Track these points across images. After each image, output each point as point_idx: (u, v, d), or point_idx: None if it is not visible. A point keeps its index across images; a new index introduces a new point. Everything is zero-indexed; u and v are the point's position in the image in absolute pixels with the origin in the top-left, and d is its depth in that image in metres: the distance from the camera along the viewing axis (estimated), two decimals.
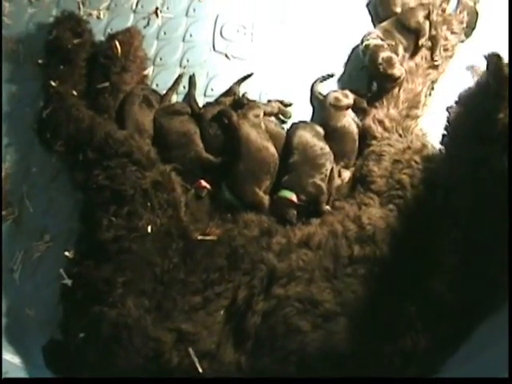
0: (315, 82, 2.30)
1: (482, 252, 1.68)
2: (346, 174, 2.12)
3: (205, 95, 2.33)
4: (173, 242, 1.90)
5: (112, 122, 2.14)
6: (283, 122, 2.26)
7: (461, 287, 1.72)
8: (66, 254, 2.00)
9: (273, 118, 2.25)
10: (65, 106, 2.15)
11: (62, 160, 2.17)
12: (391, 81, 2.15)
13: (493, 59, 1.64)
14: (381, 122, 2.13)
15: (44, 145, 2.17)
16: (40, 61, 2.29)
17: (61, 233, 2.20)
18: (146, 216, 1.89)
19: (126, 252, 1.86)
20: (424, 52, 2.23)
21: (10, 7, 2.52)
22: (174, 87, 2.33)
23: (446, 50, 2.25)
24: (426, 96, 2.23)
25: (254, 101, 2.24)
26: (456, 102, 1.86)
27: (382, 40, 2.19)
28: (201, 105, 2.27)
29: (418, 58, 2.21)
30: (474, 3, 2.31)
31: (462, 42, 2.30)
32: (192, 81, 2.33)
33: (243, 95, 2.25)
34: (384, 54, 2.14)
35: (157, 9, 2.46)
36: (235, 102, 2.22)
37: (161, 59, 2.40)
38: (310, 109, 2.30)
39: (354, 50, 2.33)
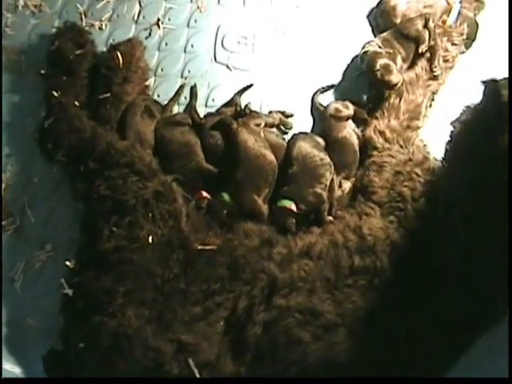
0: (316, 93, 2.30)
1: (481, 267, 1.68)
2: (347, 185, 2.12)
3: (206, 106, 2.34)
4: (173, 253, 1.90)
5: (113, 132, 2.14)
6: (284, 132, 2.27)
7: (461, 300, 1.72)
8: (67, 263, 1.99)
9: (274, 129, 2.25)
10: (66, 116, 2.15)
11: (63, 170, 2.17)
12: (388, 88, 2.16)
13: (490, 85, 1.63)
14: (382, 133, 2.13)
15: (45, 155, 2.17)
16: (42, 71, 2.29)
17: (62, 243, 2.20)
18: (147, 226, 1.89)
19: (127, 262, 1.86)
20: (424, 63, 2.23)
21: (13, 18, 2.53)
22: (175, 98, 2.34)
23: (446, 61, 2.25)
24: (426, 107, 2.22)
25: (255, 111, 2.25)
26: (457, 120, 1.86)
27: (380, 48, 2.20)
28: (202, 115, 2.27)
29: (418, 69, 2.21)
30: (475, 15, 2.32)
31: (463, 53, 2.30)
32: (193, 91, 2.33)
33: (246, 106, 2.25)
34: (382, 61, 2.14)
35: (158, 20, 2.46)
36: (237, 112, 2.23)
37: (162, 70, 2.41)
38: (311, 120, 2.30)
39: (353, 59, 2.33)
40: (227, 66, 2.39)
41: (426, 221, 1.82)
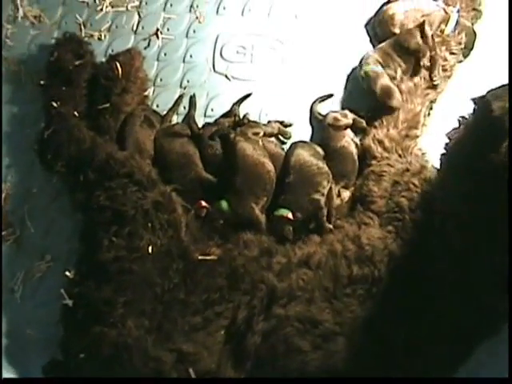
0: (314, 102, 2.31)
1: (479, 276, 1.68)
2: (346, 194, 2.12)
3: (205, 116, 2.34)
4: (173, 263, 1.90)
5: (113, 142, 2.15)
6: (283, 142, 2.27)
7: (459, 309, 1.72)
8: (67, 274, 1.99)
9: (273, 139, 2.25)
10: (66, 126, 2.15)
11: (62, 181, 2.18)
12: (389, 111, 2.18)
13: (480, 103, 1.63)
14: (380, 142, 2.14)
15: (45, 165, 2.17)
16: (41, 82, 2.29)
17: (61, 253, 2.20)
18: (147, 236, 1.89)
19: (127, 272, 1.86)
20: (423, 72, 2.23)
21: (12, 29, 2.54)
22: (174, 108, 2.35)
23: (444, 70, 2.25)
24: (425, 116, 2.23)
25: (254, 121, 2.25)
26: (450, 135, 1.86)
27: (380, 64, 2.20)
28: (201, 125, 2.28)
29: (416, 79, 2.21)
30: (472, 24, 2.33)
31: (460, 62, 2.31)
32: (192, 101, 2.34)
33: (244, 116, 2.26)
34: (382, 83, 2.15)
35: (157, 30, 2.47)
36: (235, 122, 2.24)
37: (161, 80, 2.41)
38: (310, 129, 2.30)
39: (353, 70, 2.33)
40: (226, 76, 2.39)
41: (423, 231, 1.82)
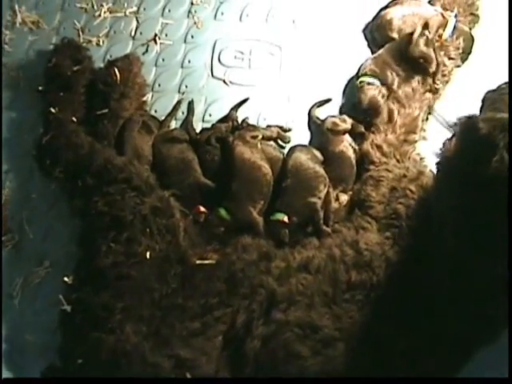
0: (313, 106, 2.31)
1: (478, 283, 1.67)
2: (344, 198, 2.12)
3: (203, 121, 2.35)
4: (171, 268, 1.90)
5: (111, 148, 2.15)
6: (282, 147, 2.27)
7: (458, 315, 1.71)
8: (65, 279, 1.99)
9: (272, 142, 2.26)
10: (64, 132, 2.16)
11: (61, 186, 2.17)
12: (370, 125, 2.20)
13: (465, 124, 1.62)
14: (379, 147, 2.13)
15: (43, 171, 2.18)
16: (40, 87, 2.30)
17: (60, 259, 2.19)
18: (145, 242, 1.89)
19: (125, 278, 1.86)
20: (420, 76, 2.24)
21: (11, 35, 2.54)
22: (172, 113, 2.35)
23: (443, 75, 2.26)
24: (423, 120, 2.23)
25: (253, 125, 2.26)
26: (438, 154, 1.86)
27: (377, 75, 2.20)
28: (199, 130, 2.29)
29: (414, 83, 2.21)
30: (470, 28, 2.33)
31: (459, 66, 2.31)
32: (190, 107, 2.34)
33: (243, 120, 2.27)
34: (372, 99, 2.17)
35: (155, 35, 2.48)
36: (233, 127, 2.24)
37: (159, 85, 2.42)
38: (309, 134, 2.31)
39: (353, 77, 2.33)
40: (224, 81, 2.40)
41: (421, 239, 1.82)
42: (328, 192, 2.10)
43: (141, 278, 1.86)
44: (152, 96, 2.41)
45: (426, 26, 2.25)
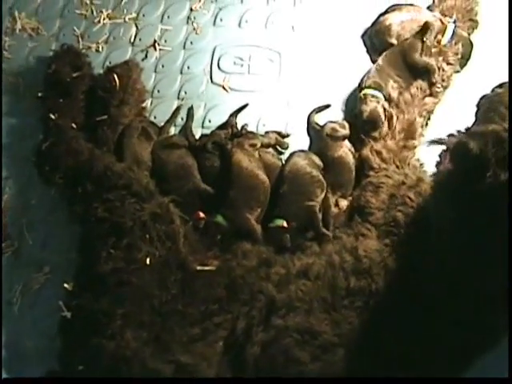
0: (312, 112, 2.32)
1: (477, 291, 1.67)
2: (344, 204, 2.12)
3: (202, 127, 2.35)
4: (171, 274, 1.90)
5: (111, 154, 2.15)
6: (280, 153, 2.28)
7: (458, 323, 1.71)
8: (65, 286, 1.99)
9: (270, 149, 2.26)
10: (64, 138, 2.16)
11: (61, 192, 2.17)
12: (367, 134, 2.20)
13: (455, 145, 1.62)
14: (378, 153, 2.13)
15: (43, 177, 2.18)
16: (39, 94, 2.30)
17: (60, 265, 2.19)
18: (145, 248, 1.89)
19: (125, 284, 1.86)
20: (419, 82, 2.24)
21: (10, 41, 2.55)
22: (171, 119, 2.35)
23: (442, 80, 2.26)
24: (422, 126, 2.23)
25: (251, 132, 2.26)
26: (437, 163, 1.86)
27: (379, 87, 2.20)
28: (198, 136, 2.29)
29: (413, 89, 2.21)
30: (469, 34, 2.34)
31: (458, 72, 2.32)
32: (190, 113, 2.35)
33: (242, 127, 2.27)
34: (373, 112, 2.16)
35: (155, 42, 2.49)
36: (232, 133, 2.24)
37: (159, 91, 2.43)
38: (308, 140, 2.31)
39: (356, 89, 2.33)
40: (223, 87, 2.40)
41: (419, 247, 1.81)
42: (327, 197, 2.10)
43: (141, 284, 1.86)
44: (151, 102, 2.42)
45: (425, 27, 2.25)
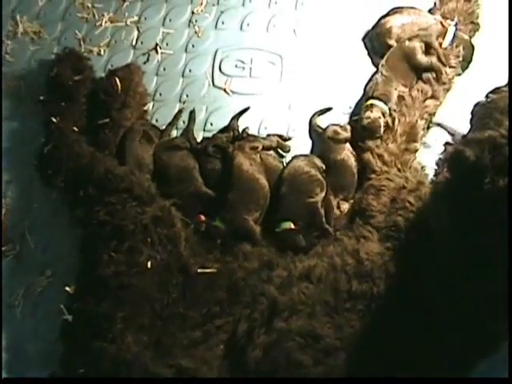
0: (314, 115, 2.32)
1: (478, 296, 1.67)
2: (345, 206, 2.13)
3: (204, 130, 2.35)
4: (172, 277, 1.90)
5: (112, 157, 2.16)
6: (282, 156, 2.28)
7: (459, 328, 1.71)
8: (67, 289, 1.99)
9: (272, 152, 2.26)
10: (66, 142, 2.16)
11: (62, 196, 2.17)
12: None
13: (451, 155, 1.62)
14: (380, 156, 2.13)
15: (45, 181, 2.18)
16: (41, 97, 2.30)
17: (61, 268, 2.20)
18: (146, 251, 1.89)
19: (126, 287, 1.86)
20: (420, 85, 2.24)
21: (12, 45, 2.55)
22: (173, 122, 2.35)
23: (443, 83, 2.26)
24: (423, 129, 2.23)
25: (253, 135, 2.26)
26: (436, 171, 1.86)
27: (385, 102, 2.20)
28: (199, 140, 2.29)
29: (414, 92, 2.21)
30: (470, 37, 2.34)
31: (459, 75, 2.31)
32: (192, 116, 2.35)
33: (244, 130, 2.27)
34: (375, 122, 2.15)
35: (156, 45, 2.49)
36: (234, 136, 2.24)
37: (160, 95, 2.42)
38: (310, 142, 2.31)
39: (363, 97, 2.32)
40: (225, 90, 2.40)
41: (420, 251, 1.80)
42: (329, 199, 2.11)
43: (142, 288, 1.86)
44: (153, 105, 2.42)
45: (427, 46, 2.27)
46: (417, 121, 2.19)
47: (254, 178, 2.09)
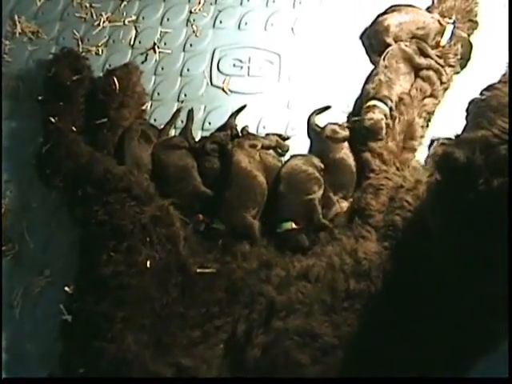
0: (312, 114, 2.31)
1: (475, 296, 1.67)
2: (344, 205, 2.12)
3: (202, 129, 2.35)
4: (172, 277, 1.90)
5: (111, 157, 2.16)
6: (281, 155, 2.28)
7: (458, 327, 1.71)
8: (66, 289, 1.99)
9: (271, 151, 2.26)
10: (64, 141, 2.16)
11: (61, 196, 2.18)
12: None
13: (441, 157, 1.61)
14: (379, 155, 2.13)
15: (43, 180, 2.18)
16: (39, 97, 2.30)
17: (60, 268, 2.20)
18: (145, 251, 1.89)
19: (126, 287, 1.86)
20: (419, 83, 2.24)
21: (10, 45, 2.55)
22: (171, 121, 2.35)
23: (442, 82, 2.26)
24: (422, 127, 2.23)
25: (252, 134, 2.26)
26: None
27: (387, 104, 2.19)
28: (198, 139, 2.29)
29: (413, 91, 2.21)
30: (468, 35, 2.34)
31: (458, 73, 2.32)
32: (190, 115, 2.35)
33: (243, 128, 2.28)
34: (378, 124, 2.14)
35: (154, 44, 2.49)
36: (232, 135, 2.25)
37: (158, 94, 2.43)
38: (308, 141, 2.31)
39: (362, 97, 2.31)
40: (223, 90, 2.40)
41: (418, 251, 1.79)
42: (329, 196, 2.11)
43: (141, 287, 1.86)
44: (151, 105, 2.42)
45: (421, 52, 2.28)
46: (415, 119, 2.19)
47: (252, 175, 2.09)
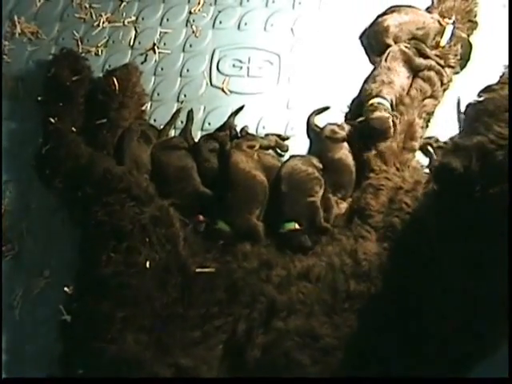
0: (311, 114, 2.31)
1: (474, 298, 1.67)
2: (343, 206, 2.12)
3: (202, 129, 2.35)
4: (171, 277, 1.90)
5: (110, 157, 2.16)
6: (280, 155, 2.28)
7: (457, 331, 1.71)
8: (66, 289, 1.99)
9: (270, 151, 2.26)
10: (64, 142, 2.16)
11: (61, 196, 2.17)
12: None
13: (438, 168, 1.61)
14: (380, 155, 2.13)
15: (43, 181, 2.19)
16: (39, 98, 2.31)
17: (60, 268, 2.19)
18: (145, 251, 1.89)
19: (125, 287, 1.86)
20: (419, 84, 2.24)
21: (10, 45, 2.55)
22: (171, 122, 2.35)
23: (442, 82, 2.26)
24: (422, 127, 2.22)
25: (251, 134, 2.26)
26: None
27: (391, 103, 2.18)
28: (197, 139, 2.29)
29: (413, 91, 2.21)
30: (468, 35, 2.34)
31: (457, 73, 2.31)
32: (190, 116, 2.35)
33: (242, 129, 2.28)
34: (385, 122, 2.11)
35: (154, 45, 2.49)
36: (231, 135, 2.25)
37: (158, 94, 2.43)
38: (308, 141, 2.31)
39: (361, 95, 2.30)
40: (223, 90, 2.40)
41: (417, 252, 1.79)
42: (328, 197, 2.10)
43: (141, 288, 1.86)
44: (151, 105, 2.41)
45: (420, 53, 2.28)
46: (415, 119, 2.19)
47: (251, 176, 2.08)
